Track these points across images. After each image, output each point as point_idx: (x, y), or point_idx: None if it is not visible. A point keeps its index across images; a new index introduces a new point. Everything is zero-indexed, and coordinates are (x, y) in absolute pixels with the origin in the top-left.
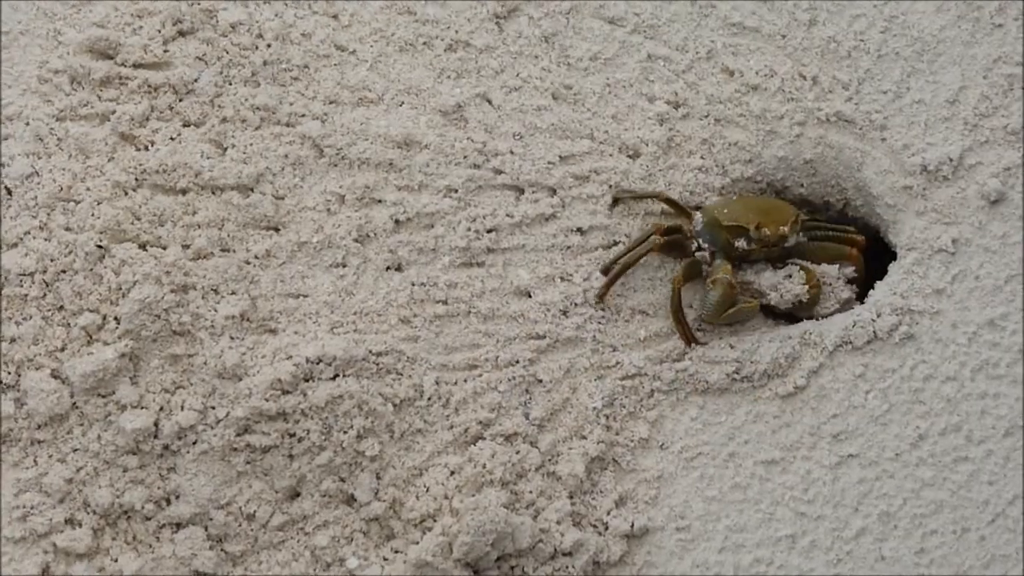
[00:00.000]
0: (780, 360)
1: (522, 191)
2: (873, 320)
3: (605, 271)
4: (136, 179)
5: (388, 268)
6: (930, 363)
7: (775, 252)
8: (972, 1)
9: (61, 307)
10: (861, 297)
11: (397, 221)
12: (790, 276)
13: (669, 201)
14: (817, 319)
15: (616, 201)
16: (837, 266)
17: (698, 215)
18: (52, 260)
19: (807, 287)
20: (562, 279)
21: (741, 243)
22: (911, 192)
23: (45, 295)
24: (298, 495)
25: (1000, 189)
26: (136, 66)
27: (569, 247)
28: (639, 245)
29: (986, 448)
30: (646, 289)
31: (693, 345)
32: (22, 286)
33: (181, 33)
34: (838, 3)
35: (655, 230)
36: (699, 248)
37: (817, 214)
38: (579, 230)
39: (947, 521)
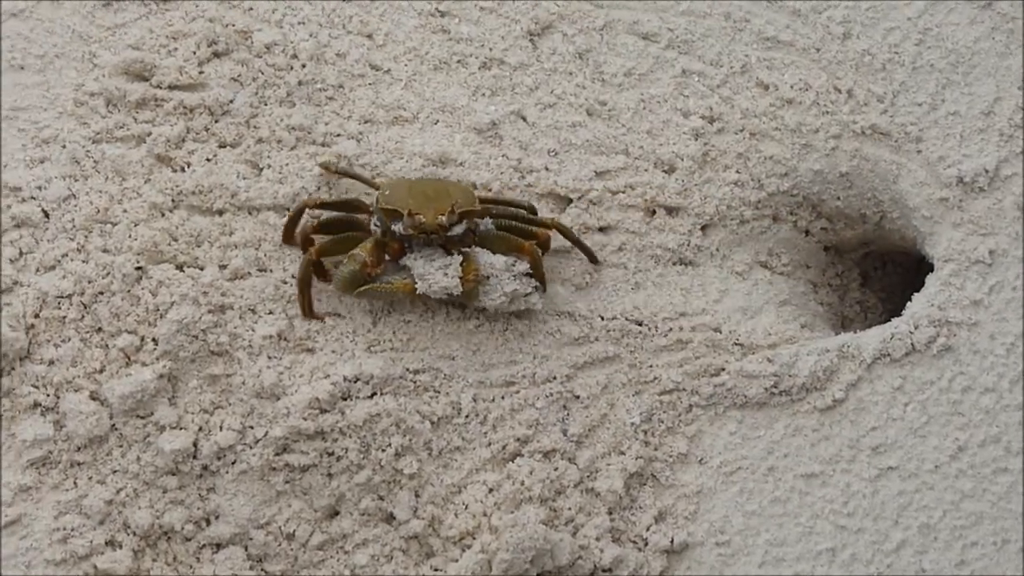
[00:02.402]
0: (818, 373)
1: (559, 206)
2: (911, 332)
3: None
4: (172, 200)
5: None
6: (968, 375)
7: (440, 239)
8: (1006, 13)
9: (99, 329)
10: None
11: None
12: (448, 265)
13: (348, 175)
14: (487, 308)
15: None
16: (506, 259)
17: (376, 193)
18: (90, 282)
19: (460, 279)
20: (598, 293)
21: (398, 227)
22: (947, 204)
23: (83, 317)
24: (337, 514)
25: None
26: (171, 88)
27: (603, 261)
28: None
29: None
30: (680, 300)
31: (312, 318)
32: (60, 308)
33: (216, 54)
34: (872, 16)
35: (307, 256)
36: (375, 225)
37: (511, 204)
38: (620, 248)
39: (987, 533)
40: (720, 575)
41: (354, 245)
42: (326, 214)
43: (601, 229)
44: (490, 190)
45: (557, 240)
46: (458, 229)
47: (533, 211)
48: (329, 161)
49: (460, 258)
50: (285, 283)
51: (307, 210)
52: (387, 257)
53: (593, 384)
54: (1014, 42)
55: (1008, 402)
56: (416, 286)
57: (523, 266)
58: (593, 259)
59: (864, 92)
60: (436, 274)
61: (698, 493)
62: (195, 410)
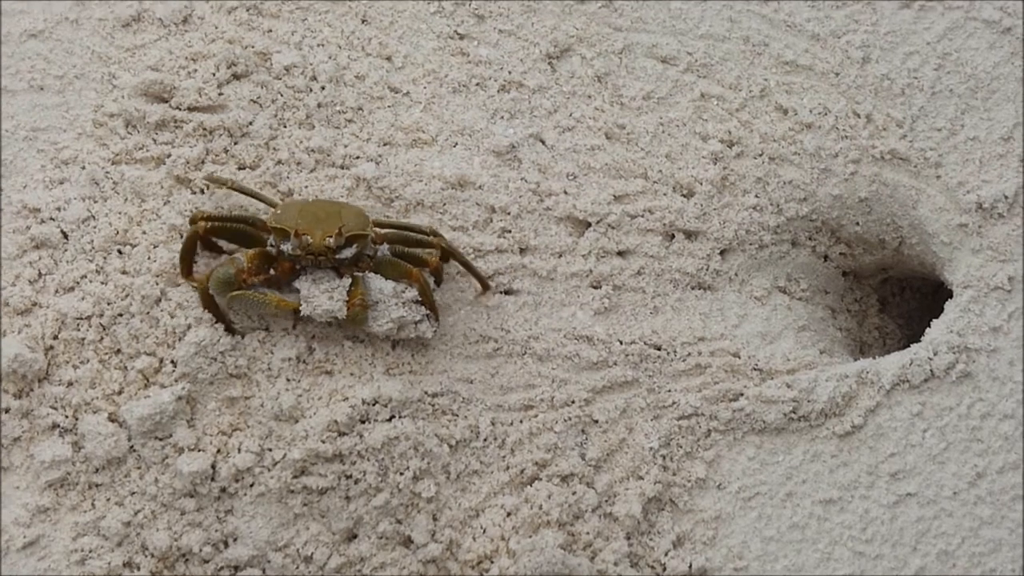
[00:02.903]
0: (837, 399)
1: (577, 230)
2: (930, 358)
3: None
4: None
5: (447, 308)
6: (987, 401)
7: (330, 262)
8: None
9: (118, 350)
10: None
11: (452, 263)
12: (335, 289)
13: (243, 191)
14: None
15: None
16: (395, 285)
17: (274, 211)
18: (108, 304)
19: (343, 304)
20: (617, 318)
21: (287, 247)
22: (967, 230)
23: (102, 338)
24: (355, 537)
25: None
26: (191, 109)
27: (622, 285)
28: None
29: None
30: (699, 325)
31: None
32: (79, 330)
33: (235, 76)
34: (891, 41)
35: (196, 228)
36: (271, 245)
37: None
38: (639, 272)
39: (1006, 560)
40: None
41: (244, 239)
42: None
43: (620, 253)
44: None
45: (574, 264)
46: (347, 252)
47: (435, 236)
48: (220, 176)
49: (348, 282)
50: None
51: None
52: (272, 272)
53: (611, 408)
54: None
55: None
56: (300, 307)
57: (412, 293)
58: (484, 285)
59: (883, 117)
60: (321, 296)
61: (716, 518)
62: (213, 432)
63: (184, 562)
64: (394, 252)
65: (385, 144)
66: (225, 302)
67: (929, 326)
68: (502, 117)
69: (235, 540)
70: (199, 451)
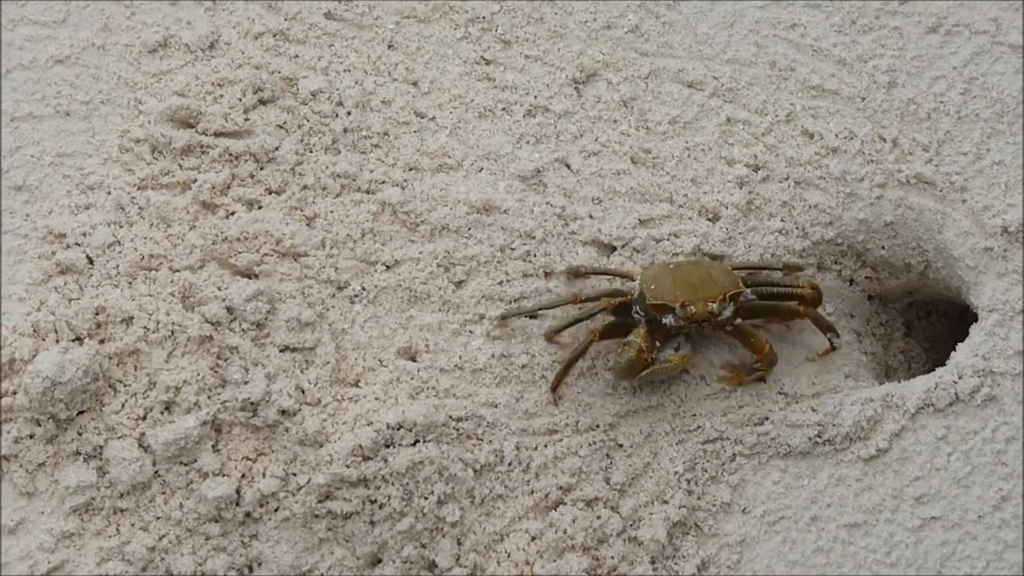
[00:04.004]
0: (862, 423)
1: (602, 254)
2: (955, 382)
3: (549, 338)
4: (217, 247)
5: (471, 333)
6: (1012, 424)
7: (710, 325)
8: None
9: (144, 375)
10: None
11: (478, 286)
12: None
13: (607, 272)
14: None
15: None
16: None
17: (634, 284)
18: (134, 329)
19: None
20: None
21: (668, 319)
22: (992, 254)
23: (127, 364)
24: (380, 561)
25: None
26: (217, 134)
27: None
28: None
29: None
30: (726, 352)
31: (553, 396)
32: (105, 355)
33: (262, 101)
34: (918, 65)
35: (590, 336)
36: (636, 313)
37: (759, 272)
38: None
39: None
40: None
41: (627, 331)
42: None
43: None
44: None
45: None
46: (727, 312)
47: (788, 267)
48: (578, 267)
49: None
50: (331, 325)
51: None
52: (657, 343)
53: (636, 432)
54: None
55: None
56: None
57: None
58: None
59: (909, 141)
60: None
61: (741, 542)
62: (238, 457)
63: None
64: (761, 295)
65: (411, 169)
66: (633, 382)
67: (954, 350)
68: (528, 142)
69: (260, 565)
70: (224, 476)
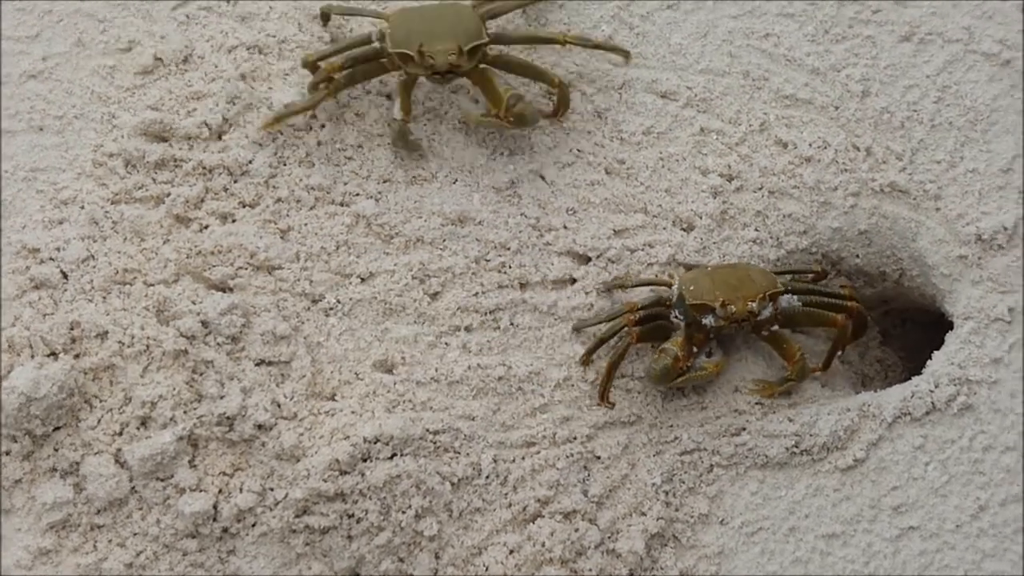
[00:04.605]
0: (839, 433)
1: (577, 265)
2: (931, 391)
3: (585, 362)
4: (191, 261)
5: (447, 345)
6: (989, 433)
7: (749, 325)
8: None
9: (120, 391)
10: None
11: (453, 298)
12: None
13: (645, 283)
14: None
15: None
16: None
17: (674, 288)
18: (109, 344)
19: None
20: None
21: (709, 320)
22: (967, 261)
23: (103, 379)
24: None
25: None
26: (191, 148)
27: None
28: (615, 336)
29: None
30: (701, 359)
31: (601, 403)
32: (80, 371)
33: (236, 115)
34: (891, 74)
35: (629, 337)
36: (676, 318)
37: (803, 278)
38: (642, 308)
39: None
40: None
41: (665, 333)
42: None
43: (620, 287)
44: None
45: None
46: (766, 312)
47: (823, 274)
48: (616, 279)
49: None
50: (306, 338)
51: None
52: (694, 349)
53: (613, 444)
54: None
55: None
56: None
57: None
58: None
59: (883, 150)
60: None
61: (719, 554)
62: (215, 472)
63: None
64: (805, 303)
65: (385, 181)
66: (665, 388)
67: (930, 358)
68: (502, 153)
69: None
70: (201, 491)
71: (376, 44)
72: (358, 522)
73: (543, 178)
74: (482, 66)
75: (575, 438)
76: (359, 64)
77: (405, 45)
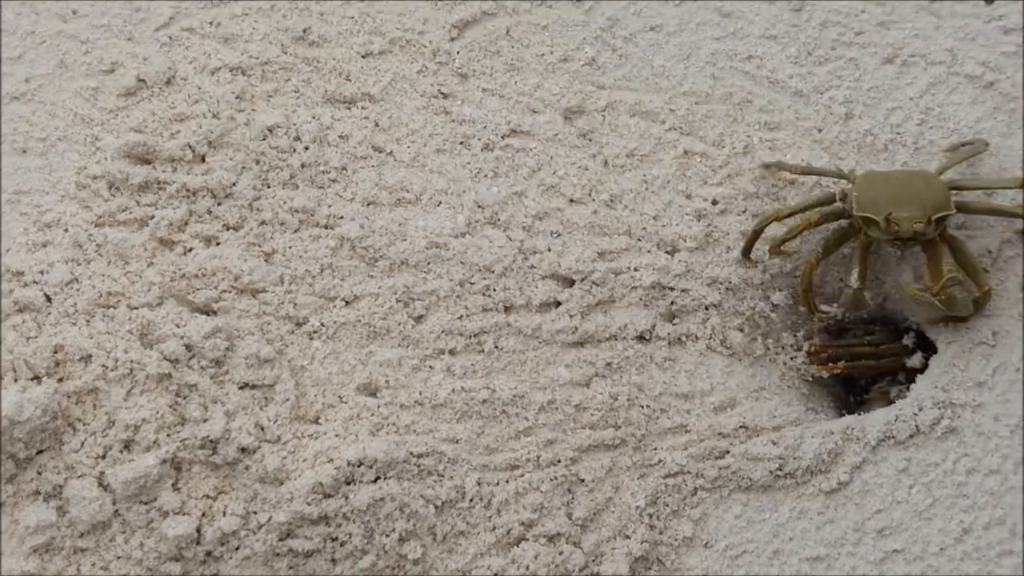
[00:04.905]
0: (823, 456)
1: (560, 287)
2: (915, 414)
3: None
4: (175, 284)
5: (431, 368)
6: (973, 456)
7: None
8: (1008, 92)
9: (104, 413)
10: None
11: (438, 321)
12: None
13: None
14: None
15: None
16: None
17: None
18: (92, 367)
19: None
20: (602, 376)
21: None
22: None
23: (86, 402)
24: None
25: None
26: (174, 171)
27: (607, 343)
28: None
29: None
30: (684, 382)
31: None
32: (64, 394)
33: (219, 137)
34: (874, 96)
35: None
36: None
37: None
38: (624, 328)
39: None
40: None
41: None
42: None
43: (605, 311)
44: None
45: (559, 322)
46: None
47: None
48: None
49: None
50: (290, 361)
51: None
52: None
53: (598, 467)
54: (1015, 122)
55: (1013, 484)
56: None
57: None
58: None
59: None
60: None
61: None
62: (198, 495)
63: None
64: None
65: (369, 204)
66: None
67: (914, 381)
68: (486, 176)
69: None
70: (184, 514)
71: (839, 204)
72: (342, 545)
73: (527, 200)
74: (939, 237)
75: (559, 461)
76: (826, 219)
77: (872, 210)
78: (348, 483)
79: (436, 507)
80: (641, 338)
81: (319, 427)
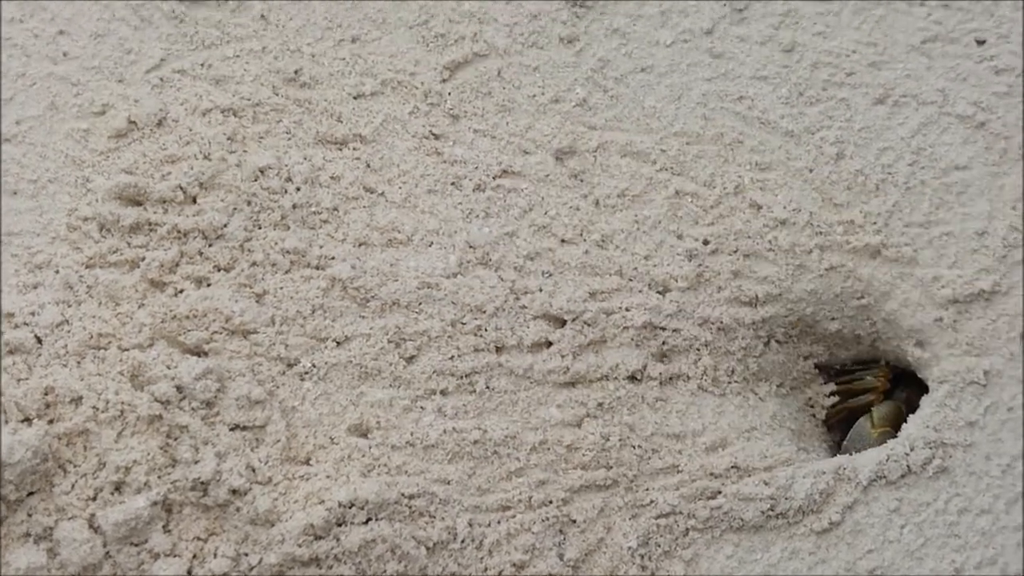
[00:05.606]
0: (815, 496)
1: (551, 328)
2: (907, 454)
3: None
4: (166, 325)
5: (422, 409)
6: (964, 496)
7: None
8: (999, 132)
9: (94, 455)
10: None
11: (429, 362)
12: None
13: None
14: None
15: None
16: None
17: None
18: (83, 408)
19: None
20: (593, 416)
21: None
22: (942, 324)
23: (77, 444)
24: None
25: None
26: (165, 212)
27: (599, 383)
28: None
29: None
30: (676, 422)
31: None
32: (55, 436)
33: (210, 178)
34: (865, 136)
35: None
36: None
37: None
38: (615, 368)
39: None
40: None
41: None
42: None
43: (596, 351)
44: None
45: (551, 362)
46: None
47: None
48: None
49: None
50: (281, 402)
51: None
52: None
53: (589, 508)
54: (1007, 161)
55: (1005, 523)
56: None
57: None
58: None
59: (858, 213)
60: None
61: None
62: (189, 537)
63: None
64: None
65: (361, 244)
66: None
67: (905, 421)
68: (477, 216)
69: None
70: (175, 556)
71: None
72: None
73: (518, 241)
74: None
75: (551, 502)
76: None
77: None
78: (339, 524)
79: (427, 548)
80: (633, 378)
81: (310, 468)
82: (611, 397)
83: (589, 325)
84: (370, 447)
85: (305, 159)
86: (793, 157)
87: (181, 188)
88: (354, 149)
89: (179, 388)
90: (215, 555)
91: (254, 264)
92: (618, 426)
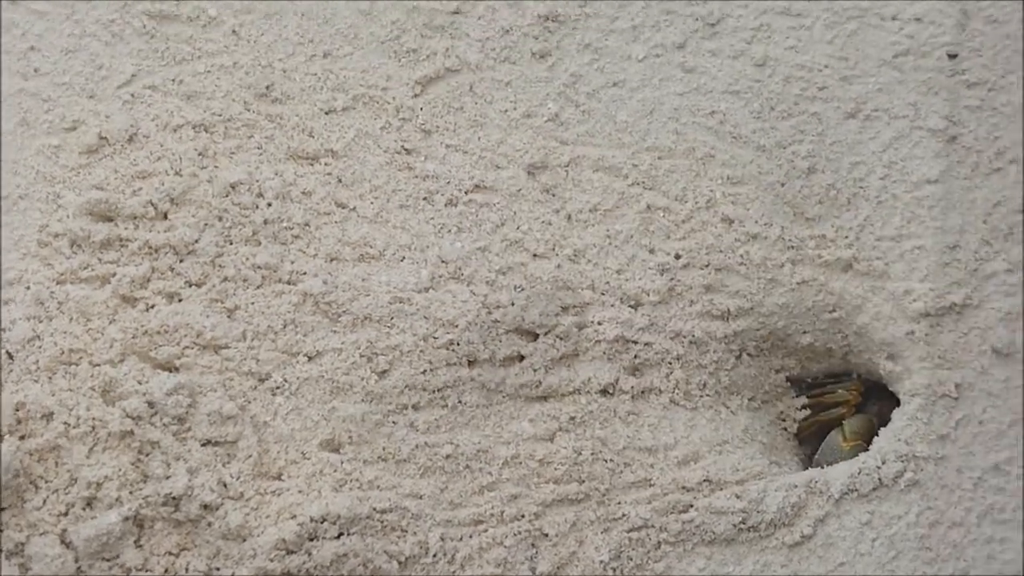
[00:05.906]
0: (787, 509)
1: (523, 342)
2: (878, 467)
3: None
4: (137, 341)
5: (394, 424)
6: (936, 509)
7: None
8: (971, 146)
9: (66, 471)
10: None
11: (401, 376)
12: None
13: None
14: None
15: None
16: None
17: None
18: (54, 424)
19: None
20: (565, 430)
21: None
22: (914, 337)
23: (48, 459)
24: None
25: (1003, 334)
26: (136, 228)
27: (570, 397)
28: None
29: None
30: (648, 435)
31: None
32: (25, 451)
33: (181, 194)
34: (837, 151)
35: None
36: None
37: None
38: (587, 382)
39: None
40: None
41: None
42: None
43: (568, 365)
44: None
45: (523, 376)
46: None
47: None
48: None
49: None
50: (253, 418)
51: None
52: None
53: (561, 522)
54: (978, 175)
55: (975, 536)
56: None
57: None
58: None
59: (829, 227)
60: None
61: None
62: (160, 552)
63: None
64: None
65: (332, 259)
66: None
67: (877, 434)
68: (449, 231)
69: None
70: (147, 571)
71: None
72: None
73: (490, 255)
74: None
75: (523, 516)
76: None
77: None
78: (311, 539)
79: (400, 563)
80: (605, 392)
81: (282, 483)
82: (583, 411)
83: (561, 339)
84: (342, 462)
85: (277, 174)
86: (765, 171)
87: (152, 204)
88: (326, 164)
89: (151, 404)
90: (187, 570)
91: (225, 279)
92: (590, 440)
